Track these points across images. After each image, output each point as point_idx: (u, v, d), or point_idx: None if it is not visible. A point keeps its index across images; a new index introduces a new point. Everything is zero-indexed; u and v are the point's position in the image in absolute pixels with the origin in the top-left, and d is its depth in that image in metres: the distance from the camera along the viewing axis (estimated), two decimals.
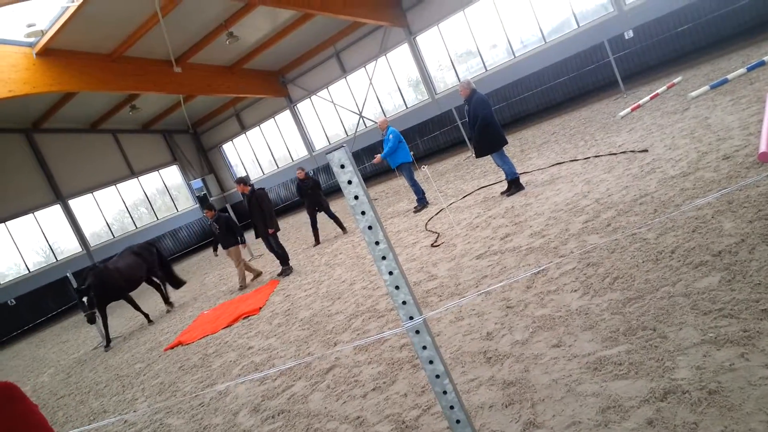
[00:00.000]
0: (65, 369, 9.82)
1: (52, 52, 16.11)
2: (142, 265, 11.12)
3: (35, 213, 22.32)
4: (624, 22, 17.78)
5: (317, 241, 12.41)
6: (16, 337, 18.40)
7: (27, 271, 21.43)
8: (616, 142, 9.48)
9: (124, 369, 7.94)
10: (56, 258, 22.50)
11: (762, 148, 5.62)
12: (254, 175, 28.63)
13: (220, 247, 11.13)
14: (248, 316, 8.07)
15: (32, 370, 11.13)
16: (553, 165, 9.78)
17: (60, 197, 23.13)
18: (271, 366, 5.34)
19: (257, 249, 14.35)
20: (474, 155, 9.79)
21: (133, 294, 10.87)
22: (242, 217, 15.81)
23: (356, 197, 2.00)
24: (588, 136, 11.40)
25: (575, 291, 4.31)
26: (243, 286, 10.66)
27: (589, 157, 9.21)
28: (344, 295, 7.08)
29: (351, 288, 7.31)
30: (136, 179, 26.47)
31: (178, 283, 12.02)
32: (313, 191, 12.31)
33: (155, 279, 11.59)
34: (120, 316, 13.65)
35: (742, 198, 4.72)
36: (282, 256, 10.25)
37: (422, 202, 11.24)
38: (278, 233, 10.25)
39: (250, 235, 15.14)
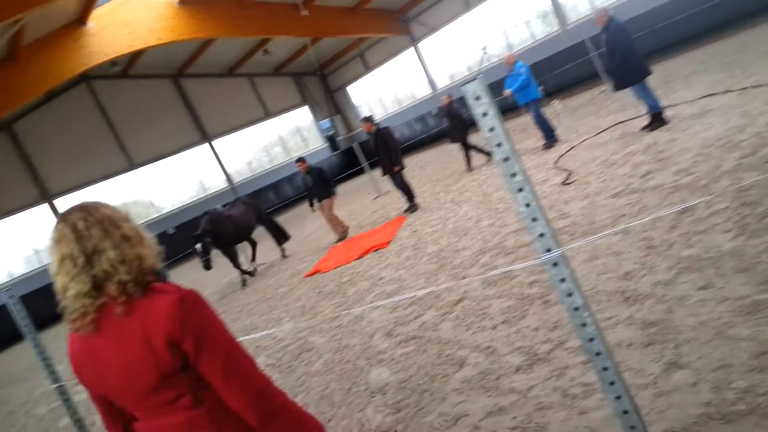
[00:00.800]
0: (219, 290, 11.04)
1: (191, 1, 17.26)
2: (252, 216, 11.45)
3: (186, 152, 24.65)
4: None
5: (469, 168, 12.42)
6: (176, 262, 20.76)
7: (182, 204, 24.00)
8: None
9: (269, 292, 8.76)
10: (206, 192, 24.91)
11: None
12: (378, 115, 29.06)
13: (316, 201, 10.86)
14: (378, 249, 8.44)
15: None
16: (703, 97, 8.84)
17: (206, 137, 25.28)
18: (402, 296, 5.60)
19: (384, 185, 14.75)
20: (612, 88, 9.09)
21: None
22: (369, 155, 16.23)
23: (492, 129, 1.99)
24: (746, 65, 10.08)
25: (728, 231, 3.98)
26: (343, 236, 10.56)
27: (746, 87, 8.19)
28: (471, 232, 7.13)
29: (477, 225, 7.33)
30: (270, 120, 28.06)
31: (283, 237, 11.85)
32: (455, 119, 12.32)
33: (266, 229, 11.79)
34: (263, 245, 14.90)
35: None
36: (408, 193, 10.46)
37: (551, 140, 10.76)
38: (403, 171, 10.42)
39: (371, 176, 15.56)
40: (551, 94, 17.97)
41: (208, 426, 1.50)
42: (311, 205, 10.94)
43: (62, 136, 21.36)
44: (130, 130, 23.06)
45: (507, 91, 11.00)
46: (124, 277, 1.46)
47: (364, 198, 15.68)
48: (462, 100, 16.67)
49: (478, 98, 1.97)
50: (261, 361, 5.67)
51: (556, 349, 3.43)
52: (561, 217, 6.12)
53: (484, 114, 1.97)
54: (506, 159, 2.01)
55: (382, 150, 10.22)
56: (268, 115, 27.96)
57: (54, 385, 3.79)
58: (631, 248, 4.44)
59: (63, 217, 1.54)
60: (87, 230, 1.49)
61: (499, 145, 2.00)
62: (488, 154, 12.17)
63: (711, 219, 4.31)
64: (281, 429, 1.50)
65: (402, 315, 5.19)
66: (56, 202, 21.04)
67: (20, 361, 12.49)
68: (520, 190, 2.02)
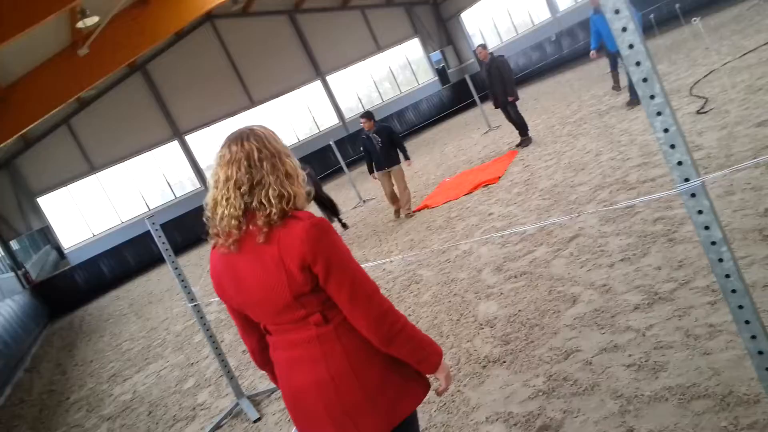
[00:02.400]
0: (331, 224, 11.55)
1: None
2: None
3: (301, 89, 25.36)
4: None
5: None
6: None
7: (297, 140, 24.98)
8: None
9: (379, 226, 9.01)
10: (319, 129, 25.66)
11: None
12: (492, 44, 27.76)
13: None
14: (488, 184, 8.30)
15: None
16: None
17: (320, 73, 25.76)
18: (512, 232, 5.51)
19: (495, 119, 14.28)
20: None
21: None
22: (479, 88, 15.69)
23: (631, 46, 1.83)
24: None
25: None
26: (404, 213, 8.68)
27: None
28: (589, 166, 6.75)
29: (597, 159, 6.92)
30: (381, 54, 27.87)
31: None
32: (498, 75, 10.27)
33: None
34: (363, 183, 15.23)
35: None
36: (521, 126, 10.06)
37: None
38: (518, 102, 9.99)
39: (482, 109, 15.03)
40: (688, 11, 16.04)
41: (334, 341, 1.61)
42: (371, 172, 8.80)
43: (190, 76, 22.79)
44: (251, 68, 24.04)
45: None
46: (275, 210, 1.56)
47: (474, 133, 15.32)
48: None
49: (617, 12, 1.82)
50: None
51: (680, 288, 3.23)
52: (695, 148, 5.60)
53: (624, 29, 1.83)
54: (645, 80, 1.85)
55: (497, 80, 9.83)
56: (379, 48, 27.76)
57: (190, 304, 4.22)
58: None
59: (240, 141, 1.64)
60: (260, 162, 1.60)
61: (638, 63, 1.85)
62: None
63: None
64: (402, 348, 1.61)
65: (512, 251, 5.13)
66: (187, 138, 22.78)
67: (160, 283, 14.05)
68: (659, 113, 1.88)
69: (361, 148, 8.84)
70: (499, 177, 8.37)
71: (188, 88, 22.72)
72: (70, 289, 16.71)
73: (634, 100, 8.81)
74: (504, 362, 3.35)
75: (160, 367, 6.79)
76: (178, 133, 22.65)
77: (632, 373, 2.71)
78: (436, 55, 29.16)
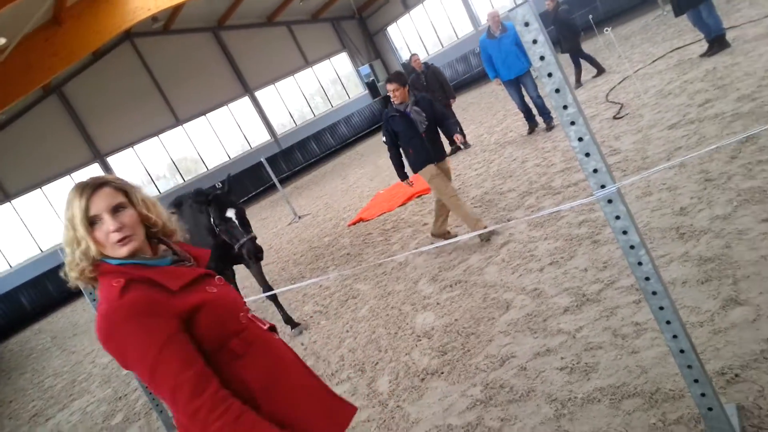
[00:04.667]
0: (267, 241, 11.29)
1: None
2: None
3: (229, 105, 24.82)
4: None
5: (579, 82, 10.88)
6: None
7: (228, 158, 24.39)
8: None
9: (315, 242, 8.88)
10: (250, 146, 25.17)
11: None
12: (420, 57, 28.23)
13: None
14: (421, 195, 8.36)
15: None
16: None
17: (247, 89, 25.30)
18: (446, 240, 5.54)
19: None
20: (674, 12, 8.27)
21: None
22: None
23: (542, 58, 1.86)
24: None
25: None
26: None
27: None
28: (516, 173, 6.93)
29: (523, 166, 7.12)
30: (310, 69, 27.75)
31: None
32: (565, 25, 10.75)
33: None
34: (307, 196, 15.05)
35: None
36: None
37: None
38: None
39: None
40: (601, 22, 16.95)
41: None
42: (404, 177, 5.64)
43: (110, 96, 21.82)
44: (175, 86, 23.30)
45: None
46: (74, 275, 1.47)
47: None
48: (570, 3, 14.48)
49: (527, 24, 1.85)
50: (308, 309, 5.80)
51: (606, 289, 3.33)
52: (612, 153, 5.86)
53: (534, 41, 1.85)
54: (558, 90, 1.89)
55: (435, 86, 10.13)
56: (307, 63, 27.63)
57: None
58: (688, 182, 4.21)
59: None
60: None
61: (549, 75, 1.88)
62: (600, 68, 10.63)
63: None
64: None
65: (446, 260, 5.16)
66: (109, 159, 21.75)
67: (85, 313, 13.26)
68: (573, 123, 1.92)
69: (385, 138, 5.43)
70: None
71: (109, 108, 21.74)
72: None
73: (549, 123, 8.37)
74: (442, 373, 3.33)
75: (86, 402, 6.37)
76: (99, 156, 21.58)
77: (565, 376, 2.75)
78: (365, 69, 29.35)
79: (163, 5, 16.81)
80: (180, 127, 23.44)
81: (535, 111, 8.71)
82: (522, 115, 8.94)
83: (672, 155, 4.91)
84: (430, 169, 5.21)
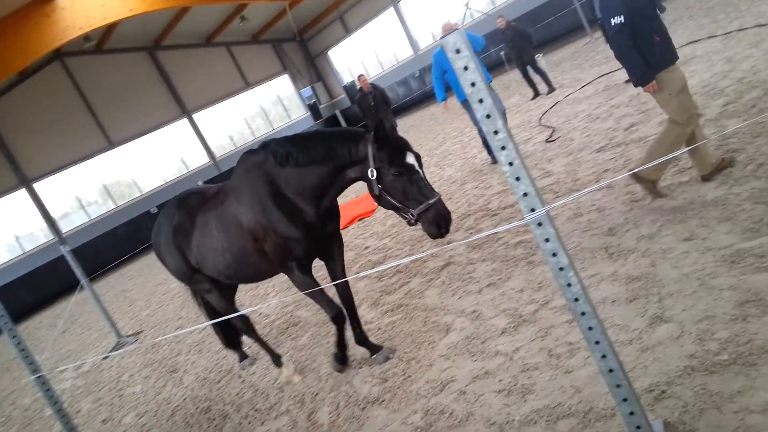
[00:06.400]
0: None
1: None
2: None
3: (165, 128, 24.16)
4: None
5: (535, 93, 11.31)
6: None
7: (164, 182, 23.65)
8: (766, 11, 8.15)
9: None
10: (188, 169, 24.53)
11: None
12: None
13: None
14: (363, 218, 8.35)
15: None
16: (687, 44, 8.69)
17: (185, 111, 24.75)
18: (387, 264, 5.54)
19: None
20: (605, 39, 8.74)
21: None
22: (350, 121, 16.00)
23: (473, 84, 1.90)
24: (730, 8, 9.90)
25: (712, 180, 3.93)
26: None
27: (730, 32, 8.05)
28: (455, 196, 7.04)
29: (462, 188, 7.25)
30: (251, 91, 27.48)
31: None
32: (521, 39, 11.28)
33: None
34: None
35: None
36: None
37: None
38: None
39: None
40: (534, 48, 17.69)
41: None
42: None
43: (38, 117, 20.78)
44: (108, 108, 22.49)
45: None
46: None
47: None
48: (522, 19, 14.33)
49: (458, 51, 1.88)
50: (246, 338, 5.61)
51: (541, 309, 3.39)
52: (545, 175, 6.05)
53: (465, 68, 1.88)
54: (488, 116, 1.92)
55: (382, 107, 10.23)
56: (248, 85, 27.37)
57: (33, 376, 3.70)
58: (615, 203, 4.39)
59: None
60: None
61: (480, 101, 1.91)
62: (551, 86, 10.98)
63: (695, 169, 4.24)
64: None
65: (388, 284, 5.14)
66: (36, 185, 20.62)
67: (6, 349, 12.38)
68: (503, 148, 1.95)
69: None
70: (374, 210, 8.46)
71: (37, 131, 20.69)
72: None
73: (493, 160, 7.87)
74: (383, 401, 3.28)
75: None
76: (25, 181, 20.42)
77: (503, 399, 2.76)
78: (307, 91, 29.39)
79: (95, 24, 16.26)
80: (113, 150, 22.59)
81: None
82: (480, 142, 8.24)
83: (600, 177, 5.12)
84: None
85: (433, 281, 4.68)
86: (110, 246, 19.96)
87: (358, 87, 10.87)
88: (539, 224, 1.99)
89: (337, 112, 15.95)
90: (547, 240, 2.00)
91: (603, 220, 4.21)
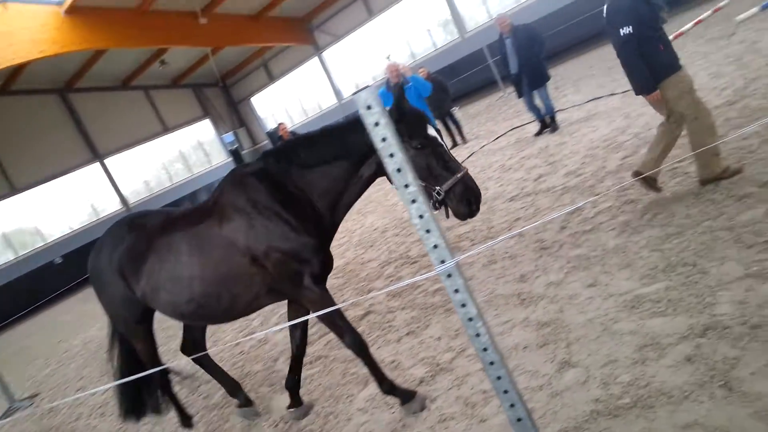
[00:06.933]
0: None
1: (80, 10, 16.12)
2: None
3: (75, 172, 22.93)
4: None
5: (453, 143, 11.51)
6: (64, 294, 19.03)
7: (70, 229, 22.26)
8: None
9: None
10: (98, 215, 23.25)
11: None
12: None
13: None
14: None
15: (82, 325, 11.66)
16: (589, 101, 9.40)
17: (97, 156, 23.65)
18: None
19: None
20: (516, 94, 9.32)
21: None
22: None
23: (384, 139, 1.94)
24: None
25: (612, 229, 4.19)
26: None
27: (627, 91, 8.80)
28: (377, 243, 7.09)
29: (383, 235, 7.32)
30: (169, 135, 26.78)
31: None
32: (440, 91, 11.12)
33: None
34: None
35: None
36: None
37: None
38: None
39: None
40: (453, 100, 18.51)
41: None
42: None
43: None
44: (11, 151, 21.05)
45: None
46: None
47: None
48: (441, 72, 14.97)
49: (369, 107, 1.91)
50: None
51: (458, 357, 3.43)
52: (462, 223, 6.22)
53: (376, 124, 1.92)
54: (399, 170, 1.96)
55: None
56: (166, 129, 26.65)
57: None
58: (526, 250, 4.58)
59: None
60: None
61: (391, 155, 1.95)
62: (464, 138, 11.52)
63: (597, 218, 4.53)
64: None
65: (308, 334, 5.02)
66: None
67: None
68: (414, 201, 1.99)
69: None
70: None
71: None
72: None
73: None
74: None
75: None
76: None
77: None
78: (229, 136, 29.05)
79: (2, 64, 15.38)
80: (17, 195, 21.10)
81: None
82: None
83: (513, 225, 5.34)
84: None
85: None
86: (9, 299, 18.33)
87: (278, 135, 10.91)
88: (449, 275, 2.03)
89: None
90: (456, 291, 2.04)
91: (515, 267, 4.37)
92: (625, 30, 4.00)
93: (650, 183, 4.28)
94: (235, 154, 28.62)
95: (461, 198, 2.75)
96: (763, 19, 9.20)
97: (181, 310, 3.37)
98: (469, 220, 2.92)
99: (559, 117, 9.06)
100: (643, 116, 6.92)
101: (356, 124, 2.87)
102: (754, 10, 9.86)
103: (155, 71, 24.20)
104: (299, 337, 3.54)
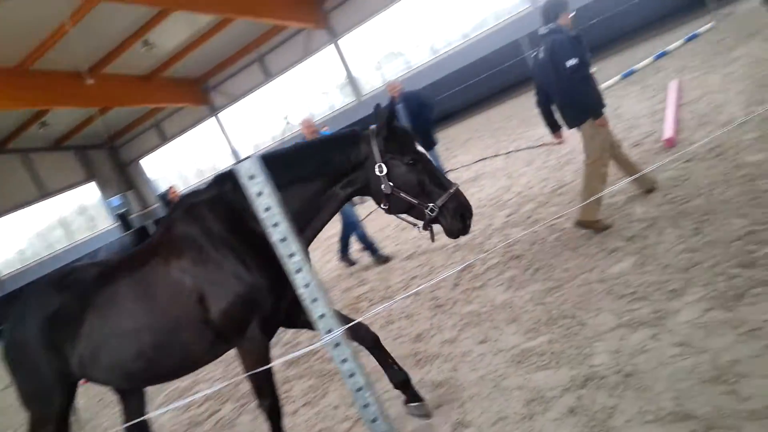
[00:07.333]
0: None
1: None
2: None
3: None
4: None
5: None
6: None
7: None
8: (534, 135, 9.75)
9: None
10: None
11: (666, 135, 5.96)
12: (178, 189, 27.61)
13: None
14: None
15: None
16: (477, 161, 9.96)
17: None
18: (198, 391, 5.09)
19: None
20: None
21: None
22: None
23: (267, 209, 1.91)
24: (510, 131, 11.71)
25: (500, 285, 4.37)
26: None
27: (510, 152, 9.45)
28: None
29: None
30: (48, 200, 24.84)
31: None
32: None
33: None
34: None
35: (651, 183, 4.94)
36: None
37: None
38: None
39: None
40: None
41: None
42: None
43: None
44: None
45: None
46: None
47: None
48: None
49: (252, 177, 1.90)
50: None
51: (354, 426, 3.33)
52: (360, 283, 6.23)
53: (260, 194, 1.90)
54: (283, 239, 1.93)
55: None
56: (45, 195, 24.72)
57: None
58: (422, 309, 4.63)
59: None
60: None
61: (275, 225, 1.92)
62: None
63: (486, 274, 4.71)
64: None
65: (196, 414, 4.69)
66: None
67: None
68: (299, 270, 1.95)
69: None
70: None
71: None
72: None
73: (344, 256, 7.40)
74: None
75: None
76: None
77: None
78: (116, 200, 27.47)
79: None
80: None
81: None
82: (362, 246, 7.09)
83: (409, 284, 5.41)
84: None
85: (245, 406, 4.37)
86: None
87: (168, 199, 10.49)
88: (336, 345, 2.00)
89: (149, 223, 15.01)
90: (344, 360, 2.00)
91: (412, 326, 4.40)
92: (572, 62, 4.32)
93: (595, 226, 4.47)
94: (123, 218, 27.02)
95: (455, 214, 2.69)
96: (624, 86, 10.37)
97: (128, 369, 2.86)
98: (453, 237, 2.79)
99: (450, 176, 9.43)
100: (524, 176, 7.43)
101: (336, 139, 2.80)
102: (616, 78, 11.11)
103: (34, 133, 22.59)
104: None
